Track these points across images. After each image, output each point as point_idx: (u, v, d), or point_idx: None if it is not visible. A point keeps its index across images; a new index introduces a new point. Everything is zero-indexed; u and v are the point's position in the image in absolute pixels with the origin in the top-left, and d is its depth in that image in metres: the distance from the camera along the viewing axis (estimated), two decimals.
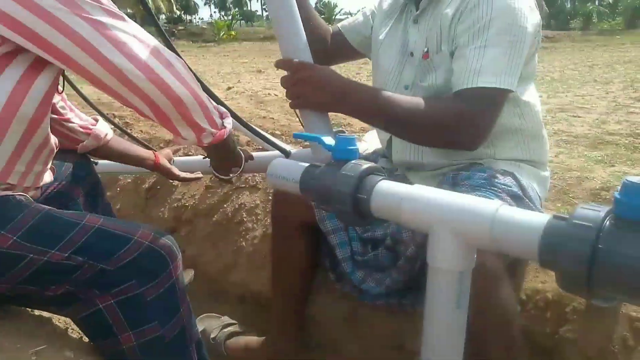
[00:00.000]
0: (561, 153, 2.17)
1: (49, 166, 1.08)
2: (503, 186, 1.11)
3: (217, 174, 1.27)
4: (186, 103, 0.93)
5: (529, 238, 0.62)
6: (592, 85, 4.44)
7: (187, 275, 1.93)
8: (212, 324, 1.67)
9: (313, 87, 1.11)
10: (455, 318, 0.74)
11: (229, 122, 1.07)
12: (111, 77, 0.86)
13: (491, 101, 1.11)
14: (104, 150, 1.46)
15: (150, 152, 1.57)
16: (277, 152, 1.40)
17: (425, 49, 1.23)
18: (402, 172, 1.35)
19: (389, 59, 1.34)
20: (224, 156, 1.19)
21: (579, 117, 3.07)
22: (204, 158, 1.42)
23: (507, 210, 0.67)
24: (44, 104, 0.95)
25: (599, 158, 2.07)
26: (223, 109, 1.07)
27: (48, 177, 1.12)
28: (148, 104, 0.91)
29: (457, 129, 1.11)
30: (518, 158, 1.25)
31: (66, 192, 1.33)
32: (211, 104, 1.02)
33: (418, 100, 1.12)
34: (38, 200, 1.05)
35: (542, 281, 1.30)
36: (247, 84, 4.73)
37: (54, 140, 1.08)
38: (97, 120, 1.44)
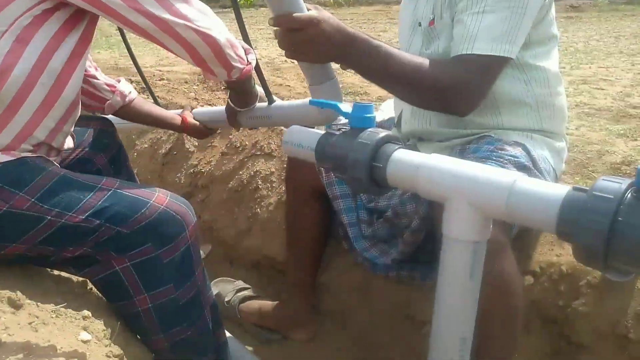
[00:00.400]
0: (582, 126, 2.12)
1: (73, 127, 1.10)
2: (510, 157, 1.09)
3: (232, 105, 1.33)
4: (221, 45, 1.02)
5: (547, 209, 0.61)
6: (618, 57, 4.30)
7: (206, 250, 1.96)
8: (226, 288, 1.69)
9: (317, 43, 1.02)
10: (468, 288, 0.74)
11: (253, 57, 1.16)
12: (155, 27, 0.96)
13: (484, 69, 1.10)
14: (130, 111, 1.46)
15: (176, 115, 1.56)
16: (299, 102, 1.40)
17: (432, 17, 1.23)
18: (414, 143, 1.34)
19: (403, 33, 1.36)
20: (244, 89, 1.27)
21: (602, 89, 2.98)
22: (226, 92, 1.43)
23: (525, 182, 0.66)
24: (72, 59, 0.98)
25: (621, 132, 2.02)
26: (247, 46, 1.16)
27: (70, 142, 1.13)
28: (187, 48, 1.00)
29: (450, 92, 1.09)
30: (528, 127, 1.23)
31: (88, 159, 1.34)
32: (239, 42, 1.10)
33: (418, 60, 1.10)
34: (60, 165, 1.07)
35: (557, 254, 1.29)
36: (263, 51, 4.67)
37: (79, 102, 1.09)
38: (119, 81, 1.45)
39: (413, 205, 1.21)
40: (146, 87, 2.01)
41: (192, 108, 1.62)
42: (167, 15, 0.95)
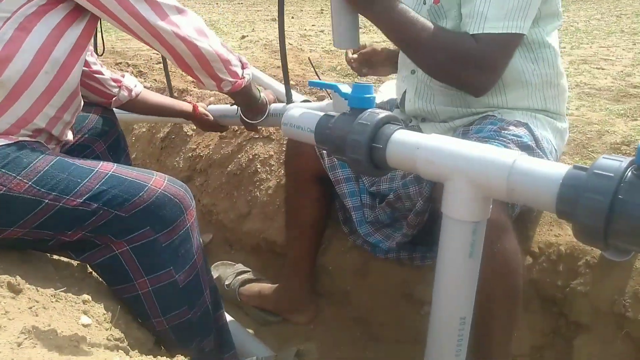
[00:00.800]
0: (582, 106, 2.11)
1: (74, 120, 1.10)
2: (513, 137, 1.09)
3: (244, 118, 1.39)
4: (208, 58, 1.06)
5: (547, 188, 0.60)
6: (619, 36, 4.26)
7: (207, 238, 1.97)
8: (226, 271, 1.70)
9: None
10: (468, 267, 0.74)
11: (248, 72, 1.19)
12: (145, 31, 1.00)
13: (499, 47, 1.08)
14: (139, 104, 1.48)
15: (187, 103, 1.59)
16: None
17: None
18: (417, 124, 1.33)
19: None
20: (247, 102, 1.32)
21: (603, 69, 2.96)
22: (231, 105, 1.49)
23: (525, 161, 0.65)
24: (75, 51, 1.00)
25: (622, 112, 2.01)
26: (245, 60, 1.19)
27: (70, 135, 1.14)
28: (174, 55, 1.05)
29: (467, 61, 1.09)
30: (532, 107, 1.22)
31: (87, 145, 1.34)
32: (234, 56, 1.14)
33: (440, 29, 1.11)
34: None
35: (555, 234, 1.29)
36: (261, 33, 4.62)
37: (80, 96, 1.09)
38: (123, 76, 1.46)
39: (416, 187, 1.20)
40: (166, 81, 2.05)
41: (210, 103, 1.66)
42: (158, 22, 0.99)
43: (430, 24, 1.10)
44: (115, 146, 1.42)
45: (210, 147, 2.12)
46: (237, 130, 2.05)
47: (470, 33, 1.09)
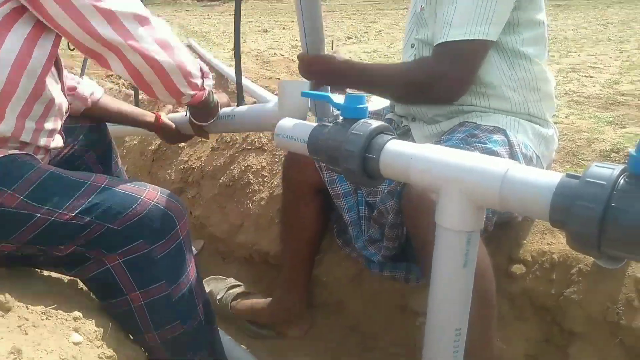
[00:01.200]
0: (571, 114, 2.14)
1: (60, 125, 1.08)
2: (478, 144, 1.11)
3: (193, 120, 1.34)
4: (168, 71, 0.99)
5: (540, 197, 0.61)
6: (606, 44, 4.33)
7: (198, 245, 1.95)
8: (218, 286, 1.68)
9: (320, 74, 1.38)
10: (462, 278, 0.74)
11: (209, 83, 1.13)
12: (97, 43, 0.92)
13: (458, 56, 1.13)
14: (98, 111, 1.40)
15: (150, 113, 1.52)
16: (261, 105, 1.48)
17: (423, 3, 1.27)
18: (407, 123, 1.38)
19: (408, 21, 1.40)
20: (202, 108, 1.27)
21: (591, 77, 3.01)
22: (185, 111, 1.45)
23: (517, 170, 0.65)
24: (49, 60, 0.97)
25: (610, 119, 2.03)
26: (206, 69, 1.13)
27: (59, 141, 1.11)
28: (130, 71, 0.97)
29: (429, 86, 1.18)
30: (514, 111, 1.24)
31: (78, 156, 1.33)
32: (195, 66, 1.07)
33: (394, 67, 1.32)
34: (49, 163, 1.06)
35: (548, 243, 1.30)
36: (252, 44, 4.65)
37: (64, 100, 1.08)
38: (78, 83, 1.38)
39: (393, 202, 1.21)
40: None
41: (170, 111, 1.58)
42: (111, 34, 0.91)
43: (381, 67, 1.33)
44: (106, 156, 1.41)
45: (202, 158, 2.12)
46: (229, 142, 2.05)
47: (436, 43, 1.16)
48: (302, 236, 1.48)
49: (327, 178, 1.36)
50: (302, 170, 1.41)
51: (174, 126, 1.49)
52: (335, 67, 1.35)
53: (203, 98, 1.13)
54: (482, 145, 1.11)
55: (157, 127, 1.48)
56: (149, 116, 1.48)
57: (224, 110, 1.37)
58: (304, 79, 1.41)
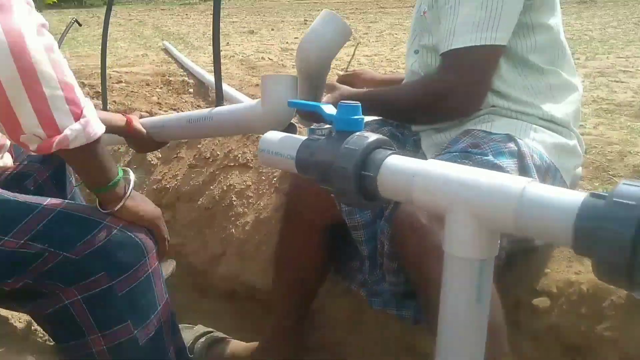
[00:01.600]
0: (601, 124, 2.15)
1: (8, 142, 1.07)
2: (478, 156, 1.12)
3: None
4: (10, 101, 0.80)
5: (561, 220, 0.60)
6: (638, 45, 4.38)
7: (168, 268, 1.92)
8: (185, 337, 1.62)
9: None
10: (476, 313, 0.73)
11: (76, 127, 0.86)
12: None
13: (468, 63, 1.16)
14: None
15: (120, 115, 1.48)
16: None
17: (426, 6, 1.30)
18: (417, 131, 1.41)
19: (412, 24, 1.43)
20: (81, 168, 0.98)
21: (622, 82, 3.03)
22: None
23: (535, 189, 0.65)
24: None
25: None
26: (88, 105, 0.91)
27: (8, 159, 1.11)
28: None
29: (436, 106, 1.22)
30: (528, 113, 1.26)
31: (27, 173, 1.31)
32: (63, 100, 0.84)
33: (402, 89, 1.33)
34: None
35: (576, 272, 1.29)
36: (237, 47, 4.68)
37: None
38: None
39: (389, 230, 1.20)
40: (102, 90, 2.02)
41: (143, 116, 1.57)
42: None
43: (389, 90, 1.31)
44: (60, 172, 1.37)
45: (178, 177, 2.12)
46: (209, 157, 2.05)
47: (441, 52, 1.19)
48: (301, 276, 1.46)
49: (345, 209, 1.33)
50: (309, 204, 1.38)
51: (145, 132, 1.47)
52: (349, 95, 1.32)
53: (54, 148, 0.87)
54: (483, 158, 1.12)
55: (128, 133, 1.46)
56: (119, 120, 1.44)
57: (201, 112, 1.40)
58: (291, 74, 1.39)
